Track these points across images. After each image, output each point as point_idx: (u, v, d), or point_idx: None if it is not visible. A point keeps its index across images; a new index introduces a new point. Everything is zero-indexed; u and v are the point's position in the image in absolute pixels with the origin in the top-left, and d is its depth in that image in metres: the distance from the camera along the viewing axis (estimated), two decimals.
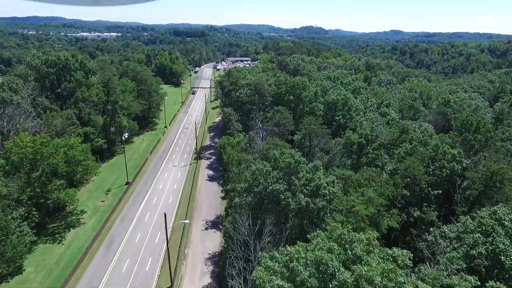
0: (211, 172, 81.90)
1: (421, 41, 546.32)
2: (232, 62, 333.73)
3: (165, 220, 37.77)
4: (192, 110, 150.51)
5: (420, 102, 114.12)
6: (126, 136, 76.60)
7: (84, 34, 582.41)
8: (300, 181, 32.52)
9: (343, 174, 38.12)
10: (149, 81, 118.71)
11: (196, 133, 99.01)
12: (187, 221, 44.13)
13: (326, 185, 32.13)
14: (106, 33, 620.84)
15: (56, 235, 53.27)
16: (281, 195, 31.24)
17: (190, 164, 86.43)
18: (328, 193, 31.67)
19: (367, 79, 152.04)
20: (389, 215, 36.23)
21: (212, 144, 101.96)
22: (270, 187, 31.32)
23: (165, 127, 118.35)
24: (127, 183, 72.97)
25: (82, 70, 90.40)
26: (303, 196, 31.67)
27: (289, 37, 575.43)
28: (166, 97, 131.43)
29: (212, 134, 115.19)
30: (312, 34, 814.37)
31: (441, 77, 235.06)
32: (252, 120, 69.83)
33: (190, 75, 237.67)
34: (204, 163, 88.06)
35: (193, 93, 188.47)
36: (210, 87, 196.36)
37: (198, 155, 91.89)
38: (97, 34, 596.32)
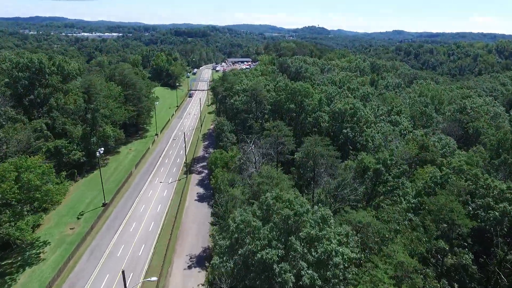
0: (201, 190, 72.59)
1: (424, 41, 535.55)
2: (233, 63, 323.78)
3: (123, 280, 28.38)
4: (187, 115, 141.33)
5: (432, 107, 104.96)
6: (102, 151, 67.26)
7: (85, 34, 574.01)
8: (303, 241, 23.15)
9: (359, 221, 28.72)
10: (139, 85, 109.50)
11: (185, 147, 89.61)
12: (155, 278, 34.97)
13: (338, 247, 22.78)
14: (108, 33, 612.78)
15: (7, 277, 44.11)
16: (274, 266, 21.97)
17: (179, 180, 77.16)
18: (341, 261, 22.38)
19: (373, 82, 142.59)
20: (423, 278, 26.89)
21: (206, 155, 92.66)
22: (259, 255, 22.04)
23: (156, 134, 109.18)
24: (104, 204, 63.83)
25: (60, 74, 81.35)
26: (306, 266, 22.37)
27: (291, 37, 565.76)
28: (157, 102, 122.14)
29: (206, 143, 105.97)
30: (314, 34, 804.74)
31: (448, 79, 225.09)
32: (244, 141, 60.04)
33: (188, 77, 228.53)
34: (195, 178, 78.77)
35: (190, 96, 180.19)
36: (208, 89, 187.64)
37: (189, 169, 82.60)
38: (98, 34, 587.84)
